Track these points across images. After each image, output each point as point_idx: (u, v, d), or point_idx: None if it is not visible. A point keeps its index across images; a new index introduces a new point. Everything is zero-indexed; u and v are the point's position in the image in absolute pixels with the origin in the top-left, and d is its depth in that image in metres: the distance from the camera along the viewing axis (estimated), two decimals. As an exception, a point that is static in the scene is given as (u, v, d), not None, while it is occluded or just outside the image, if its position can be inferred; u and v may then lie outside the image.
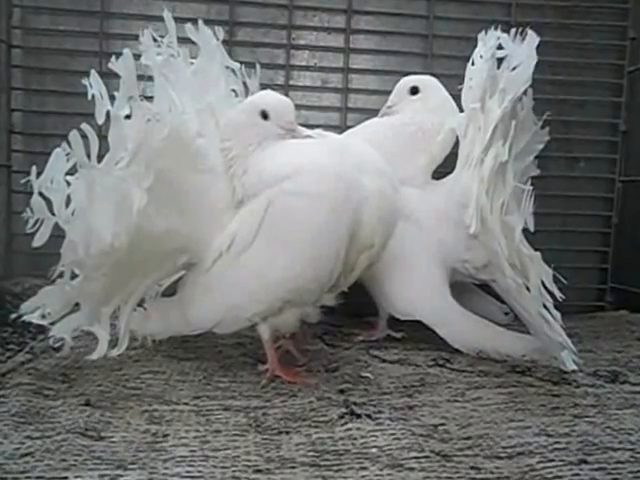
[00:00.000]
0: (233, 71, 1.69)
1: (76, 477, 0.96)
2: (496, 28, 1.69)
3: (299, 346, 1.64)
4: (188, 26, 1.58)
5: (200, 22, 1.60)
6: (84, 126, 1.33)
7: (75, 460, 1.01)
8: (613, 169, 2.36)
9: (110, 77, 2.16)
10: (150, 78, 1.44)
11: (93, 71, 1.36)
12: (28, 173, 2.13)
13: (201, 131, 1.49)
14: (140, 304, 1.54)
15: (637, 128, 2.31)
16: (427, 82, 1.84)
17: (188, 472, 0.98)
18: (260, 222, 1.38)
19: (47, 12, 2.17)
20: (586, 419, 1.26)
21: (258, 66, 1.82)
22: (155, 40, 1.49)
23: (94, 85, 1.35)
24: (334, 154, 1.39)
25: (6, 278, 2.06)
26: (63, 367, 1.48)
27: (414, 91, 1.83)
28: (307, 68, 2.26)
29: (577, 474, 1.02)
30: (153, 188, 1.35)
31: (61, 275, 1.38)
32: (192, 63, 1.57)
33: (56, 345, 1.47)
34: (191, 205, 1.45)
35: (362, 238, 1.40)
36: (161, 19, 2.15)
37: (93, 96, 1.34)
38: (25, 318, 1.40)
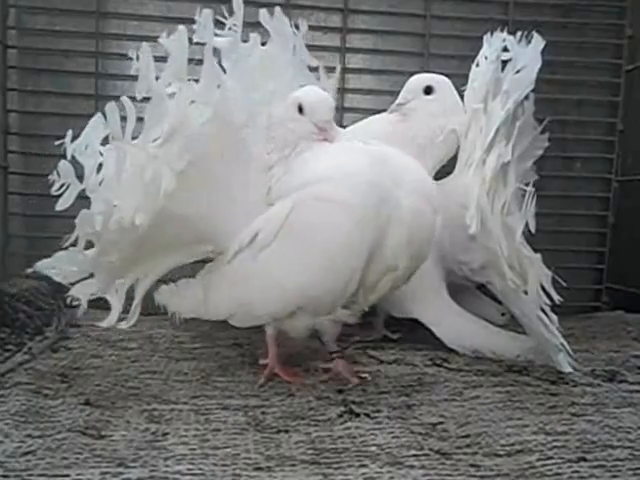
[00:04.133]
0: (309, 68, 1.66)
1: (78, 475, 0.95)
2: (502, 30, 1.69)
3: (351, 368, 1.53)
4: (262, 12, 1.53)
5: (277, 9, 1.55)
6: (124, 99, 1.30)
7: (76, 458, 1.01)
8: (610, 169, 2.37)
9: (106, 78, 2.18)
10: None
11: (145, 44, 1.32)
12: (24, 174, 2.15)
13: (250, 121, 1.45)
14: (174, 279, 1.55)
15: (634, 127, 2.32)
16: (441, 81, 1.79)
17: (189, 470, 0.98)
18: (282, 223, 1.33)
19: (43, 12, 2.17)
20: (584, 417, 1.26)
21: (339, 67, 1.80)
22: (220, 22, 1.45)
23: (142, 58, 1.31)
24: (372, 164, 1.32)
25: (2, 279, 2.05)
26: (62, 367, 1.48)
27: (428, 91, 1.77)
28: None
29: (576, 471, 1.02)
30: (187, 171, 1.33)
31: (74, 244, 1.36)
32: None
33: (73, 303, 1.43)
34: (224, 195, 1.42)
35: (385, 258, 1.32)
36: (156, 19, 2.16)
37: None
38: (45, 272, 1.41)
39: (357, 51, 2.29)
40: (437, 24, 2.28)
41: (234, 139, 1.42)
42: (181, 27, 1.33)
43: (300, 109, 1.39)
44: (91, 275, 1.41)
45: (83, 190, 1.33)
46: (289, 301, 1.37)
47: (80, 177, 1.33)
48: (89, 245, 1.37)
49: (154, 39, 1.37)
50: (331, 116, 1.40)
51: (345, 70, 2.25)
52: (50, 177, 1.33)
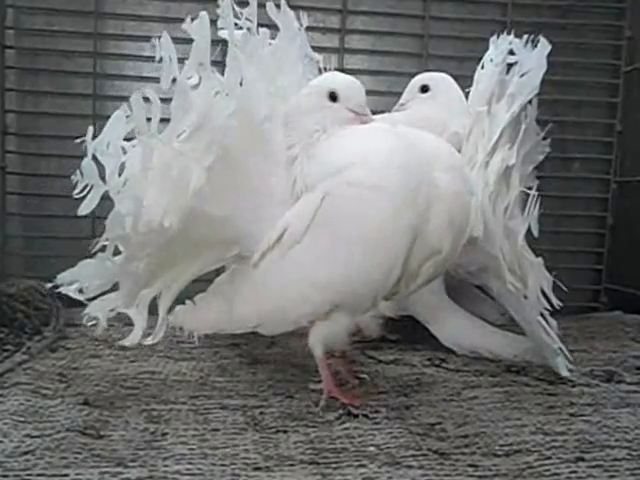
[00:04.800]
0: (312, 62, 1.58)
1: (77, 474, 0.96)
2: (501, 31, 1.69)
3: (349, 367, 1.53)
4: (269, 5, 1.45)
5: (283, 2, 1.47)
6: (148, 91, 1.22)
7: (75, 458, 1.01)
8: (608, 169, 2.38)
9: (105, 78, 2.17)
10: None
11: (165, 32, 1.24)
12: (22, 174, 2.14)
13: (269, 115, 1.35)
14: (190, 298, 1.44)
15: (633, 128, 2.33)
16: (438, 80, 1.78)
17: (188, 470, 0.98)
18: (314, 214, 1.23)
19: (41, 12, 2.17)
20: (582, 418, 1.27)
21: (331, 66, 1.77)
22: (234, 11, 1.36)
23: (164, 47, 1.24)
24: (404, 145, 1.24)
25: (0, 279, 2.05)
26: (60, 367, 1.48)
27: (424, 89, 1.76)
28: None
29: (574, 471, 1.02)
30: (213, 168, 1.25)
31: (102, 249, 1.27)
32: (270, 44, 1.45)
33: (90, 323, 1.32)
34: (251, 192, 1.33)
35: (428, 242, 1.22)
36: (154, 20, 2.16)
37: (160, 60, 1.24)
38: (61, 290, 1.31)
39: (356, 52, 2.30)
40: (436, 25, 2.29)
41: (257, 133, 1.34)
42: (203, 13, 1.25)
43: (332, 96, 1.30)
44: (113, 288, 1.33)
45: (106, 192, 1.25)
46: (326, 298, 1.26)
47: (103, 177, 1.25)
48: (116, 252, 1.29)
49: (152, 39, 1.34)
50: (364, 98, 1.32)
51: (343, 71, 2.24)
52: (73, 178, 1.24)
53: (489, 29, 1.93)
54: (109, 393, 1.33)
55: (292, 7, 2.19)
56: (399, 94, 1.81)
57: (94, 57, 2.16)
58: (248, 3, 1.39)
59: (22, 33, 2.18)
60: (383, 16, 2.29)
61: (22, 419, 1.16)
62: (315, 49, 2.14)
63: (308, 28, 2.21)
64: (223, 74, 1.31)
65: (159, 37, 1.25)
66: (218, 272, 1.50)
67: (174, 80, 1.23)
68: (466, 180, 1.30)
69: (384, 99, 2.02)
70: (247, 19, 1.38)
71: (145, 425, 1.16)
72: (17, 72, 2.19)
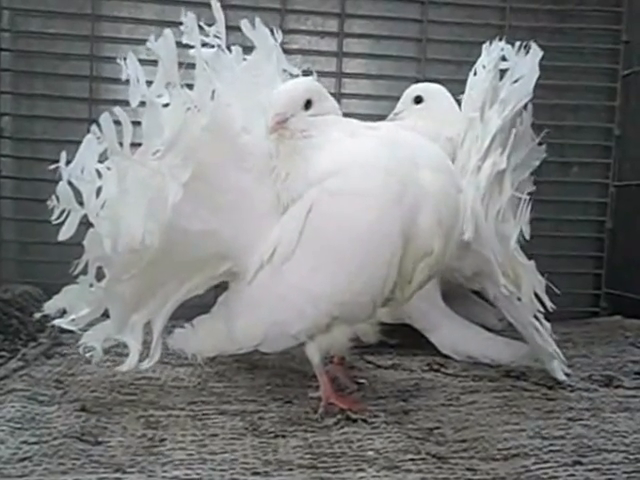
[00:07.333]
0: (291, 75, 1.54)
1: (75, 481, 0.95)
2: (500, 37, 1.69)
3: (348, 372, 1.53)
4: (244, 22, 1.45)
5: (257, 20, 1.46)
6: (117, 110, 1.23)
7: (73, 464, 1.00)
8: (607, 174, 2.38)
9: (101, 81, 2.16)
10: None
11: (131, 53, 1.26)
12: (16, 178, 2.13)
13: (248, 128, 1.35)
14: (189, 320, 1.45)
15: (631, 132, 2.33)
16: (432, 91, 1.80)
17: (187, 475, 0.98)
18: (302, 227, 1.23)
19: (37, 15, 2.16)
20: (580, 422, 1.27)
21: (315, 75, 1.75)
22: (202, 28, 1.35)
23: (130, 66, 1.24)
24: (385, 147, 1.24)
25: (-5, 284, 2.04)
26: (57, 374, 1.47)
27: (418, 100, 1.78)
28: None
29: (572, 475, 1.02)
30: (190, 183, 1.24)
31: (84, 272, 1.27)
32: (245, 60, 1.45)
33: (88, 354, 1.35)
34: (232, 206, 1.32)
35: (419, 243, 1.21)
36: (151, 23, 2.16)
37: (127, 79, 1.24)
38: (55, 323, 1.33)
39: (354, 56, 2.29)
40: (434, 29, 2.28)
41: (233, 146, 1.34)
42: (167, 30, 1.25)
43: None
44: (103, 315, 1.33)
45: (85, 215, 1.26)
46: (323, 311, 1.24)
47: (81, 201, 1.26)
48: (99, 277, 1.29)
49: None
50: (287, 109, 1.27)
51: (342, 75, 2.25)
52: (49, 203, 1.25)
53: (487, 33, 1.93)
54: (106, 399, 1.33)
55: (291, 11, 2.21)
56: (397, 98, 1.82)
57: (90, 60, 2.15)
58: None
59: (18, 35, 2.17)
60: (381, 20, 2.28)
61: (19, 426, 1.15)
62: (313, 53, 2.15)
63: (306, 32, 2.22)
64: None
65: (124, 58, 1.26)
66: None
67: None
68: (452, 177, 1.29)
69: (382, 103, 2.02)
70: (215, 36, 1.38)
71: (143, 431, 1.16)
72: (12, 75, 2.17)
